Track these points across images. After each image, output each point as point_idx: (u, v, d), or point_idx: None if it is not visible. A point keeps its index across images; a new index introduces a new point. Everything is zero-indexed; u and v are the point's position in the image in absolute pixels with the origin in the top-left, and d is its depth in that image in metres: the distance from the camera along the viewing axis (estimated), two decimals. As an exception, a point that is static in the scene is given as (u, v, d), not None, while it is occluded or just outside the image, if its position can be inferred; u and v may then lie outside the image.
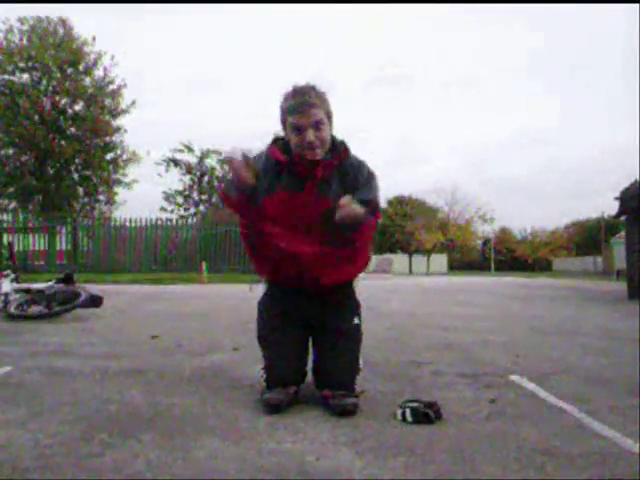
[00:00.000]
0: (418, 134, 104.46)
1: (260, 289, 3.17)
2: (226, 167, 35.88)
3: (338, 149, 2.83)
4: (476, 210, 62.91)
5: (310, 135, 2.68)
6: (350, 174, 2.83)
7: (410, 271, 55.60)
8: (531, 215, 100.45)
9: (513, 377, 3.62)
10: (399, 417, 2.61)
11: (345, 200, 2.60)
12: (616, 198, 13.09)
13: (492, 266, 57.37)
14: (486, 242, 65.88)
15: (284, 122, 2.79)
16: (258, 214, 2.80)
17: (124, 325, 6.13)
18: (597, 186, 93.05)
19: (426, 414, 2.59)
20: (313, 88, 2.76)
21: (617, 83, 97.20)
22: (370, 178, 2.87)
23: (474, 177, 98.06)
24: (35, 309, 6.51)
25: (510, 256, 65.37)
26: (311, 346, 3.06)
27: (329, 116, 2.79)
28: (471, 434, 2.43)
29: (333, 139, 2.84)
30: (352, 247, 2.86)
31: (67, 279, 6.90)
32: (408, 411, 2.61)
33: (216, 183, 35.40)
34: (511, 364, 4.09)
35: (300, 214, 2.78)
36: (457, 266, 61.70)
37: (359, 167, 2.87)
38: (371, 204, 2.70)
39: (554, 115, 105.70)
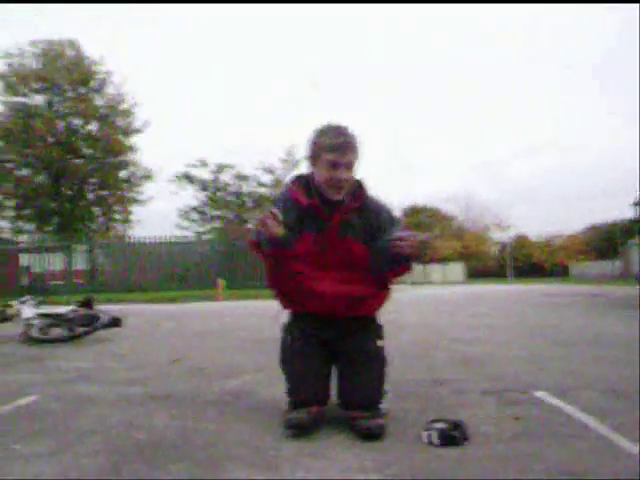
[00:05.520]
0: (431, 141, 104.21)
1: (284, 316, 3.21)
2: (240, 182, 36.12)
3: (357, 191, 2.94)
4: (492, 217, 62.96)
5: (343, 174, 2.81)
6: (371, 213, 2.96)
7: (426, 281, 55.43)
8: (547, 220, 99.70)
9: (537, 393, 3.61)
10: (425, 440, 2.61)
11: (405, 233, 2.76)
12: (636, 204, 13.02)
13: (509, 273, 57.05)
14: (503, 248, 65.60)
15: (315, 157, 2.89)
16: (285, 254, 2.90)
17: (145, 347, 6.16)
18: (613, 188, 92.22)
19: (452, 437, 2.59)
20: (352, 132, 2.90)
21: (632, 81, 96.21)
22: (396, 220, 3.02)
23: (489, 184, 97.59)
24: (57, 332, 6.56)
25: (527, 262, 65.00)
26: (335, 368, 3.08)
27: (358, 161, 2.93)
28: (498, 456, 2.42)
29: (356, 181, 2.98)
30: (387, 289, 3.02)
31: (87, 303, 6.97)
32: (434, 434, 2.60)
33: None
34: (533, 379, 4.07)
35: (323, 254, 2.90)
36: (474, 274, 61.40)
37: (379, 208, 3.01)
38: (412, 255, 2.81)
39: (570, 118, 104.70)
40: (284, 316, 3.21)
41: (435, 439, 2.59)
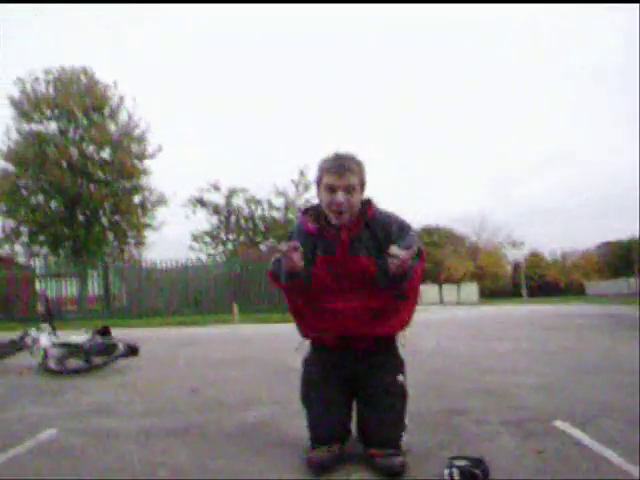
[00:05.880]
0: (436, 163, 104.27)
1: (305, 348, 3.21)
2: (253, 205, 36.27)
3: (363, 209, 2.94)
4: (505, 237, 62.88)
5: (340, 197, 2.82)
6: (381, 230, 2.93)
7: (441, 301, 55.22)
8: (561, 237, 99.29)
9: (557, 423, 3.58)
10: (447, 478, 2.60)
11: (392, 249, 2.68)
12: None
13: (524, 293, 56.72)
14: (517, 267, 65.31)
15: (318, 182, 2.93)
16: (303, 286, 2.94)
17: (162, 377, 6.16)
18: (626, 204, 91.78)
19: (474, 475, 2.57)
20: (353, 157, 2.91)
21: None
22: (405, 229, 2.96)
23: (499, 203, 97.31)
24: (74, 363, 6.56)
25: (542, 281, 64.65)
26: (355, 404, 3.08)
27: (362, 185, 2.94)
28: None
29: (362, 203, 2.98)
30: (405, 300, 2.98)
31: (103, 331, 6.99)
32: (455, 472, 2.59)
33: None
34: (554, 408, 4.05)
35: (337, 275, 2.89)
36: (487, 294, 61.07)
37: (388, 221, 2.97)
38: (414, 248, 2.75)
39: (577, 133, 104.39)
40: (305, 348, 3.21)
41: (456, 476, 2.58)
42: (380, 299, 2.93)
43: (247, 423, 3.85)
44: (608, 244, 65.25)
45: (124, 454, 3.17)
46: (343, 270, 2.91)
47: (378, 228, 2.95)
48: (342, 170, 2.85)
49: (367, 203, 3.00)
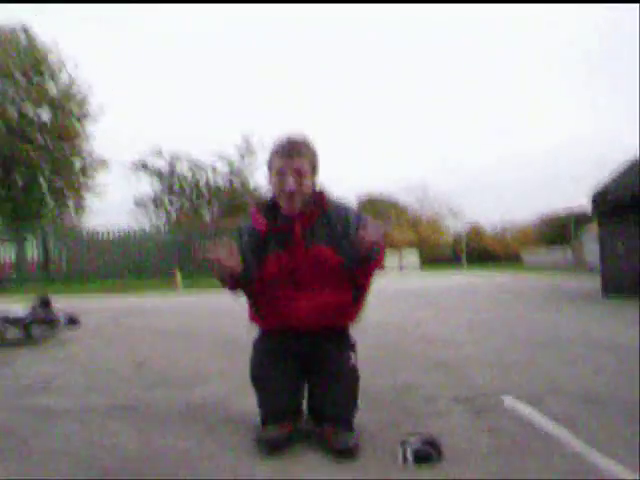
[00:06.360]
0: (382, 127, 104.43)
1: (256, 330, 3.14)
2: (196, 172, 35.65)
3: (317, 200, 2.85)
4: (446, 207, 63.86)
5: (290, 181, 2.73)
6: (336, 222, 2.84)
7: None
8: (501, 207, 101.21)
9: (507, 400, 3.61)
10: (400, 457, 2.58)
11: (361, 226, 2.61)
12: (594, 201, 13.23)
13: (464, 260, 57.89)
14: (458, 237, 66.46)
15: (270, 167, 2.83)
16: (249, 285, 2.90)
17: (104, 349, 6.01)
18: (564, 176, 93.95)
19: (427, 454, 2.56)
20: (304, 139, 2.81)
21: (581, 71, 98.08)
22: (364, 220, 2.86)
23: (441, 171, 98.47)
24: (11, 335, 6.33)
25: (481, 250, 65.95)
26: (307, 384, 3.03)
27: (314, 169, 2.84)
28: (474, 475, 2.41)
29: (315, 192, 2.88)
30: (362, 292, 2.93)
31: (43, 303, 6.74)
32: (409, 451, 2.58)
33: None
34: (503, 383, 4.09)
35: (292, 269, 2.81)
36: (429, 260, 61.90)
37: (345, 213, 2.88)
38: (375, 243, 2.68)
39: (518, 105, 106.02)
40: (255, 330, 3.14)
41: (410, 456, 2.56)
42: (334, 293, 2.86)
43: (195, 400, 3.76)
44: (546, 218, 66.67)
45: (68, 436, 3.05)
46: (299, 262, 2.83)
47: (334, 219, 2.86)
48: (291, 153, 2.75)
49: (320, 194, 2.90)
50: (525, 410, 3.39)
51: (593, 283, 15.53)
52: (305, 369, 2.98)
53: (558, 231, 58.83)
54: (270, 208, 2.91)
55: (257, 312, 3.00)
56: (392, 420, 3.23)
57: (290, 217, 2.82)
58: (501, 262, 61.80)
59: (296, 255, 2.82)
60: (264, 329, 3.06)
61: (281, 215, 2.85)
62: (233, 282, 2.82)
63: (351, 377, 2.95)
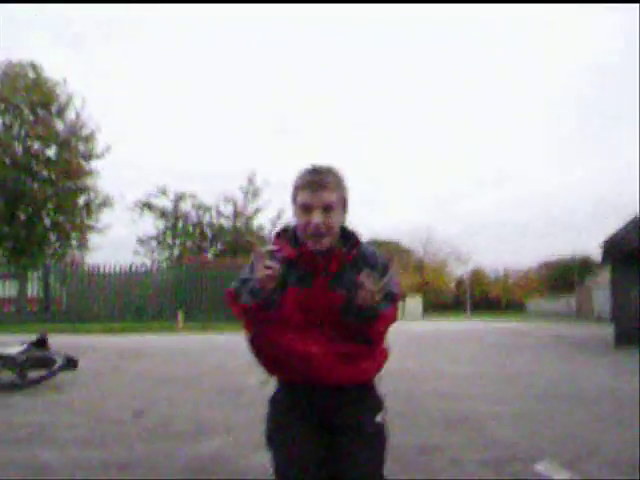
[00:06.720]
0: (382, 173, 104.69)
1: (272, 384, 2.83)
2: (200, 211, 35.55)
3: (351, 240, 2.55)
4: (451, 252, 63.68)
5: (317, 217, 2.40)
6: (364, 266, 2.53)
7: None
8: (504, 253, 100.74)
9: (539, 465, 3.31)
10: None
11: (363, 275, 2.29)
12: (604, 245, 13.00)
13: (468, 308, 57.30)
14: (460, 283, 66.10)
15: (294, 201, 2.51)
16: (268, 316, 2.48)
17: (103, 395, 5.68)
18: (568, 223, 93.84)
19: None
20: (331, 170, 2.50)
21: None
22: (385, 269, 2.56)
23: (443, 218, 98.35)
24: (6, 378, 6.02)
25: (484, 297, 65.48)
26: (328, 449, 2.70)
27: (343, 204, 2.52)
28: None
29: (344, 229, 2.57)
30: (368, 344, 2.58)
31: (40, 343, 6.44)
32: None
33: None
34: (529, 444, 3.79)
35: (309, 311, 2.49)
36: (431, 307, 61.34)
37: (372, 258, 2.58)
38: (389, 293, 2.38)
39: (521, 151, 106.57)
40: (271, 383, 2.83)
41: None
42: (351, 343, 2.54)
43: (198, 456, 3.45)
44: (549, 263, 66.43)
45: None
46: (315, 305, 2.51)
47: (360, 263, 2.56)
48: (317, 186, 2.43)
49: (355, 236, 2.60)
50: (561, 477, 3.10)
51: (600, 331, 15.21)
52: (327, 431, 2.67)
53: (562, 277, 58.52)
54: (292, 238, 2.59)
55: (267, 358, 2.65)
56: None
57: (318, 255, 2.51)
58: (503, 310, 61.31)
59: (316, 296, 2.52)
60: (281, 381, 2.75)
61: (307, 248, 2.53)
62: (259, 298, 2.48)
63: (377, 440, 2.63)
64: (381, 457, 2.57)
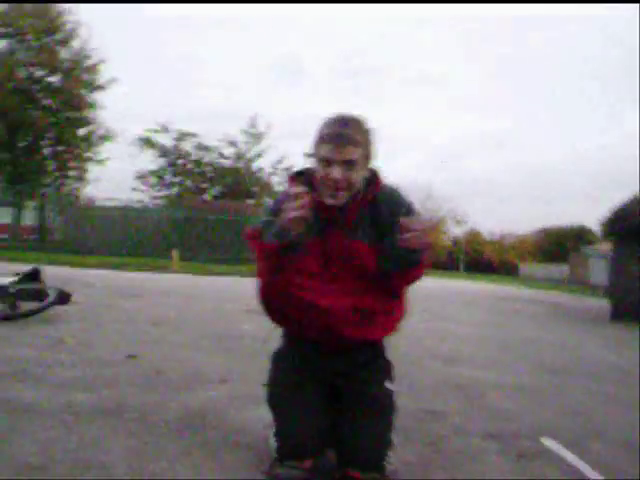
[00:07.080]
0: (384, 128, 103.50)
1: (276, 337, 2.67)
2: (201, 151, 35.10)
3: (371, 184, 2.35)
4: (449, 211, 63.46)
5: (336, 172, 2.20)
6: (385, 209, 2.35)
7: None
8: (501, 216, 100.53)
9: (546, 442, 3.20)
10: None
11: (404, 220, 2.10)
12: (607, 220, 12.91)
13: (461, 267, 57.58)
14: (456, 243, 66.10)
15: (315, 150, 2.30)
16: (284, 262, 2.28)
17: (96, 334, 5.51)
18: (568, 192, 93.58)
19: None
20: (358, 122, 2.28)
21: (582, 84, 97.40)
22: (410, 211, 2.37)
23: (443, 175, 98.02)
24: (-3, 308, 5.84)
25: (478, 258, 65.50)
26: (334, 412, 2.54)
27: (367, 159, 2.31)
28: None
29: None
30: (396, 299, 2.42)
31: (33, 275, 6.26)
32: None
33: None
34: (536, 418, 3.69)
35: (326, 260, 2.32)
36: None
37: (397, 202, 2.38)
38: (432, 223, 2.20)
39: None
40: (276, 338, 2.67)
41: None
42: (371, 296, 2.37)
43: (191, 409, 3.30)
44: (546, 229, 66.33)
45: (47, 443, 2.59)
46: (334, 255, 2.34)
47: (384, 207, 2.37)
48: (341, 141, 2.23)
49: (373, 178, 2.40)
50: (569, 456, 2.98)
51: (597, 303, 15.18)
52: (334, 394, 2.51)
53: (557, 243, 58.59)
54: (309, 182, 2.35)
55: (278, 309, 2.47)
56: (423, 460, 2.80)
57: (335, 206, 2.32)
58: (498, 272, 61.43)
59: (335, 244, 2.35)
60: (288, 337, 2.58)
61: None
62: (285, 240, 2.20)
63: (386, 406, 2.48)
64: (390, 423, 2.44)
